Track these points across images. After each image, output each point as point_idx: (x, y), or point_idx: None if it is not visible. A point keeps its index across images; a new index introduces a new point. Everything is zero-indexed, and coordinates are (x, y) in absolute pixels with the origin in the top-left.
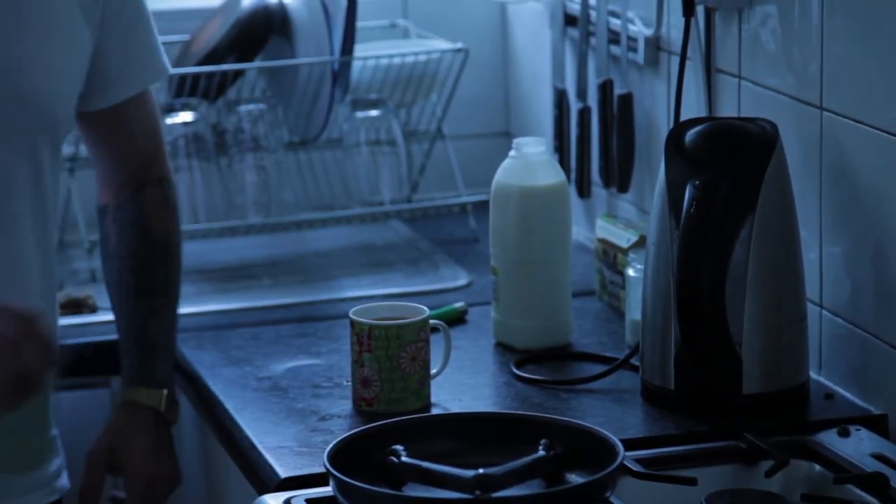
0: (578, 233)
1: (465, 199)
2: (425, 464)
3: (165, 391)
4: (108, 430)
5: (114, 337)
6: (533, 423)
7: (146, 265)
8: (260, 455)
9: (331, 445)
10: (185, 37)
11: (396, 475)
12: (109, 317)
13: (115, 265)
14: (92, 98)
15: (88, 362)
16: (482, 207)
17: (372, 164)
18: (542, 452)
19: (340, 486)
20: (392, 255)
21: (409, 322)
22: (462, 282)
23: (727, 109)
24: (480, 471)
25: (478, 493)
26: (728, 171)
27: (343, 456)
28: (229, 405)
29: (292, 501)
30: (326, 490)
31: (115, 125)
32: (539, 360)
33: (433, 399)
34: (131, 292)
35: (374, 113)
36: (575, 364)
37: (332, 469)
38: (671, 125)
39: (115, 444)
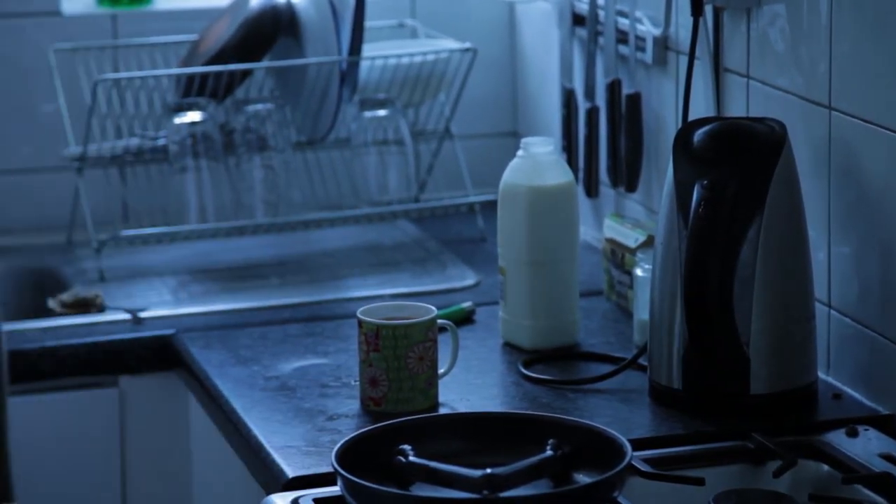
0: (586, 232)
1: (472, 198)
2: (433, 463)
3: None
4: None
5: (120, 336)
6: (540, 422)
7: None
8: (268, 454)
9: (338, 445)
10: (193, 36)
11: (404, 475)
12: (118, 316)
13: None
14: None
15: (97, 362)
16: (490, 207)
17: (380, 163)
18: (549, 452)
19: (348, 485)
20: (400, 255)
21: (417, 322)
22: (470, 281)
23: (735, 109)
24: (488, 470)
25: (485, 492)
26: (736, 170)
27: (351, 455)
28: (237, 405)
29: (300, 501)
30: (334, 490)
31: None
32: (547, 359)
33: (441, 399)
34: None
35: (382, 113)
36: (582, 364)
37: (339, 469)
38: (679, 125)
39: None
